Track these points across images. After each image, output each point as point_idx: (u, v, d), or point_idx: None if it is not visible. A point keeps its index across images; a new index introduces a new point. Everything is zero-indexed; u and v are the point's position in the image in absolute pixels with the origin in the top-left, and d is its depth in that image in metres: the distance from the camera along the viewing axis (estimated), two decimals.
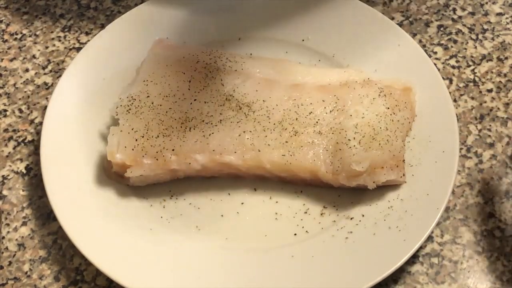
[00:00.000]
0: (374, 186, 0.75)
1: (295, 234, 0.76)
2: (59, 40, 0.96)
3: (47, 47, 0.96)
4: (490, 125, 0.86)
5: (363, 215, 0.76)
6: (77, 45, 0.96)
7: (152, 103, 0.78)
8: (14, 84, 0.92)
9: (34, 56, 0.95)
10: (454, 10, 0.98)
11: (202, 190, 0.80)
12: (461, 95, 0.89)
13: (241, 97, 0.80)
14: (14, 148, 0.87)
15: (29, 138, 0.87)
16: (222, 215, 0.78)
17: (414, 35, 0.95)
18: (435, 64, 0.85)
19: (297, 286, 0.71)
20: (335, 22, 0.90)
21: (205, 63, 0.82)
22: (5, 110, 0.90)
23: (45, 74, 0.93)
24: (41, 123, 0.87)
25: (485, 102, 0.88)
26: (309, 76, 0.83)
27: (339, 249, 0.73)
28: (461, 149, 0.84)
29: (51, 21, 0.99)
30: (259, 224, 0.77)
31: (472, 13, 0.97)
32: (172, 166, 0.76)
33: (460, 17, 0.97)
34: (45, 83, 0.92)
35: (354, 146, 0.75)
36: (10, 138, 0.87)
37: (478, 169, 0.83)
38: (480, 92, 0.89)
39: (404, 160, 0.77)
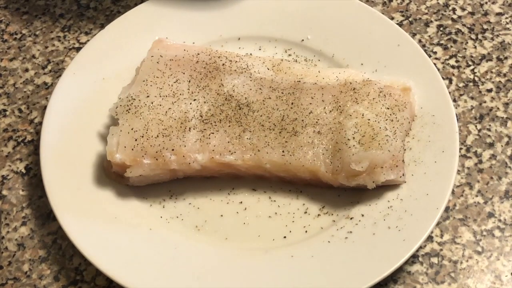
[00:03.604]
0: (374, 186, 0.75)
1: (295, 234, 0.76)
2: (59, 40, 0.96)
3: (46, 47, 0.96)
4: (489, 125, 0.86)
5: (362, 215, 0.76)
6: (76, 45, 0.96)
7: (152, 103, 0.78)
8: (14, 84, 0.92)
9: (33, 56, 0.95)
10: (454, 10, 0.98)
11: (202, 190, 0.80)
12: (461, 95, 0.89)
13: (241, 97, 0.80)
14: (13, 148, 0.87)
15: (29, 138, 0.87)
16: (221, 215, 0.78)
17: (413, 35, 0.95)
18: (434, 64, 0.85)
19: (297, 286, 0.71)
20: (335, 22, 0.90)
21: (205, 63, 0.82)
22: (5, 110, 0.90)
23: (44, 74, 0.93)
24: (40, 123, 0.87)
25: (485, 102, 0.88)
26: (309, 76, 0.83)
27: (339, 249, 0.73)
28: (460, 149, 0.84)
29: (50, 21, 0.99)
30: (259, 224, 0.77)
31: (472, 13, 0.97)
32: (172, 166, 0.76)
33: (459, 17, 0.97)
34: (45, 83, 0.92)
35: (354, 146, 0.75)
36: (10, 138, 0.87)
37: (478, 169, 0.83)
38: (480, 92, 0.89)
39: (403, 160, 0.77)
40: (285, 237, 0.76)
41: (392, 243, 0.72)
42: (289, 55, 0.90)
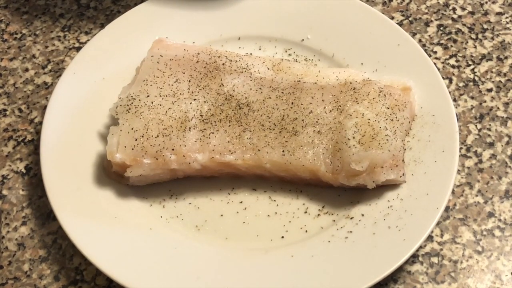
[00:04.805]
0: (374, 185, 0.75)
1: (294, 234, 0.76)
2: (59, 40, 0.96)
3: (46, 47, 0.96)
4: (489, 125, 0.86)
5: (362, 215, 0.76)
6: (76, 44, 0.96)
7: (152, 102, 0.78)
8: (14, 84, 0.92)
9: (33, 56, 0.95)
10: (454, 9, 0.98)
11: (202, 190, 0.80)
12: (461, 94, 0.89)
13: (241, 97, 0.80)
14: (14, 148, 0.87)
15: (29, 137, 0.87)
16: (221, 215, 0.78)
17: (414, 35, 0.95)
18: (435, 64, 0.85)
19: (297, 286, 0.71)
20: (335, 22, 0.90)
21: (205, 63, 0.82)
22: (5, 110, 0.90)
23: (44, 73, 0.93)
24: (40, 123, 0.87)
25: (485, 101, 0.88)
26: (309, 76, 0.83)
27: (339, 249, 0.73)
28: (460, 148, 0.84)
29: (50, 20, 0.99)
30: (259, 223, 0.77)
31: (472, 13, 0.97)
32: (172, 166, 0.76)
33: (460, 16, 0.97)
34: (45, 83, 0.92)
35: (354, 145, 0.75)
36: (10, 137, 0.87)
37: (478, 169, 0.83)
38: (480, 91, 0.89)
39: (403, 160, 0.77)
40: (282, 237, 0.76)
41: (392, 243, 0.72)
42: (289, 54, 0.90)
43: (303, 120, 0.78)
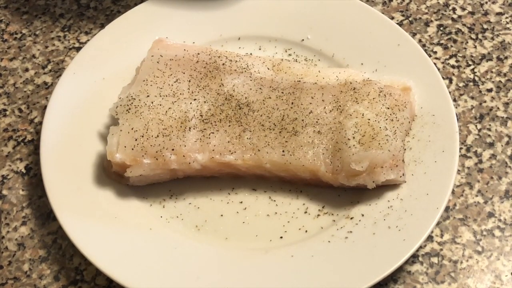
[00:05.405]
0: (374, 185, 0.75)
1: (295, 234, 0.76)
2: (59, 40, 0.96)
3: (46, 47, 0.96)
4: (489, 125, 0.86)
5: (362, 215, 0.76)
6: (76, 44, 0.96)
7: (152, 102, 0.78)
8: (14, 84, 0.92)
9: (33, 56, 0.95)
10: (454, 9, 0.98)
11: (202, 190, 0.80)
12: (461, 94, 0.89)
13: (241, 97, 0.80)
14: (13, 148, 0.87)
15: (29, 137, 0.87)
16: (221, 215, 0.78)
17: (413, 35, 0.95)
18: (435, 64, 0.85)
19: (297, 286, 0.71)
20: (335, 22, 0.90)
21: (205, 63, 0.82)
22: (5, 110, 0.90)
23: (44, 73, 0.93)
24: (40, 123, 0.87)
25: (485, 101, 0.88)
26: (309, 76, 0.83)
27: (339, 249, 0.73)
28: (460, 148, 0.84)
29: (50, 20, 0.99)
30: (259, 223, 0.77)
31: (472, 13, 0.97)
32: (172, 166, 0.76)
33: (460, 16, 0.97)
34: (45, 83, 0.92)
35: (354, 145, 0.75)
36: (10, 137, 0.87)
37: (478, 169, 0.83)
38: (480, 91, 0.89)
39: (403, 160, 0.77)
40: (285, 236, 0.76)
41: (392, 243, 0.72)
42: (289, 55, 0.90)
43: (303, 120, 0.78)
